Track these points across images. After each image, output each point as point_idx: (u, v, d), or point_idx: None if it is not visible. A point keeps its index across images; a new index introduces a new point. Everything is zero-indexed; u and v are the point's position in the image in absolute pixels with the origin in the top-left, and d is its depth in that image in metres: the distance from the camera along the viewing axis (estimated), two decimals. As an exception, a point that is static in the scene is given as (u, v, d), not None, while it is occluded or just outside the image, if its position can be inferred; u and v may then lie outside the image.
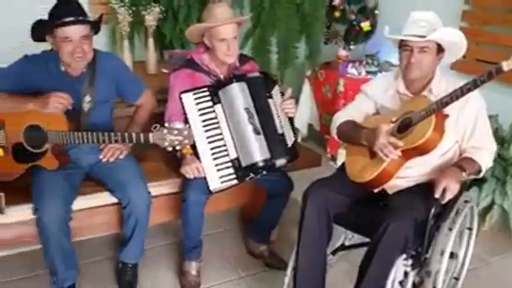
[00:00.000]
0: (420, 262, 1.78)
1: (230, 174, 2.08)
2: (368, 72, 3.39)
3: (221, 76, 2.17)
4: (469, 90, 1.60)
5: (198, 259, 2.26)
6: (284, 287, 2.02)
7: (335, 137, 2.03)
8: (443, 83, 1.82)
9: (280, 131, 2.11)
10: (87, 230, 2.16)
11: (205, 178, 2.05)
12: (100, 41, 3.80)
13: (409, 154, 1.74)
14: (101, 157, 2.06)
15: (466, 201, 1.97)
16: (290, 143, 2.15)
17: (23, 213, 1.90)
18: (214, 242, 2.55)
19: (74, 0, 1.88)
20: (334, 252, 2.22)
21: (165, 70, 2.95)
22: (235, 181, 2.09)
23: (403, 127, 1.76)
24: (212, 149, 2.07)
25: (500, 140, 2.56)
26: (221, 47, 2.05)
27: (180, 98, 2.07)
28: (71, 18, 1.83)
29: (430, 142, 1.69)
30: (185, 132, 1.83)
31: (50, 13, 1.86)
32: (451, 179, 1.67)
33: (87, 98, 2.01)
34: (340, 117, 2.00)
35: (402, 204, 1.73)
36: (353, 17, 3.44)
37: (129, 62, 2.78)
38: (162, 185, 2.20)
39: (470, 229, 2.07)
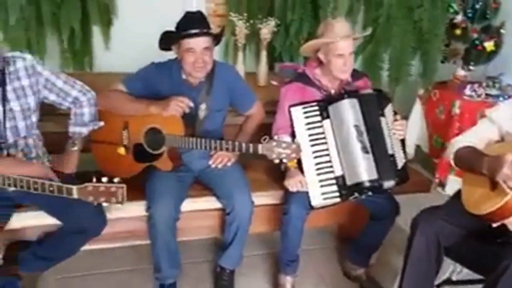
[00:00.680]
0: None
1: (334, 191, 2.05)
2: (488, 95, 3.14)
3: (332, 91, 2.15)
4: None
5: (293, 274, 2.25)
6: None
7: (452, 162, 1.89)
8: None
9: (390, 151, 2.02)
10: (191, 231, 2.26)
11: (307, 192, 2.05)
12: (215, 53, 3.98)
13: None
14: (210, 162, 2.14)
15: None
16: (400, 164, 2.06)
17: (137, 209, 2.04)
18: (308, 259, 2.50)
19: (200, 13, 1.99)
20: (439, 286, 2.07)
21: (274, 83, 3.00)
22: (338, 199, 2.05)
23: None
24: (317, 164, 2.06)
25: None
26: (337, 63, 2.03)
27: (289, 111, 2.09)
28: (196, 30, 1.94)
29: None
30: (293, 146, 1.85)
31: (177, 25, 1.98)
32: None
33: (203, 106, 2.11)
34: (459, 142, 1.86)
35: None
36: (475, 35, 3.21)
37: (242, 73, 2.86)
38: (264, 196, 2.23)
39: None
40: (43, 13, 4.12)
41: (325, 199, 2.05)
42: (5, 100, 1.77)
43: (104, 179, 1.56)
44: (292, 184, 2.06)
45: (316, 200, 2.05)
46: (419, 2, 3.24)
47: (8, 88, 1.78)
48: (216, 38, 2.03)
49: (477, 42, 3.20)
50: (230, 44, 4.35)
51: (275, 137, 1.91)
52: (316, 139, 2.07)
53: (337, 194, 2.04)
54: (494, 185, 1.67)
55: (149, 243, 2.10)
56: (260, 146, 1.88)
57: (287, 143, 1.86)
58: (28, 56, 1.85)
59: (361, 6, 3.50)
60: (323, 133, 2.07)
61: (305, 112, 2.08)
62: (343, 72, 2.06)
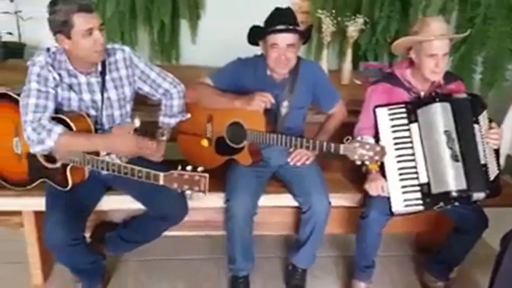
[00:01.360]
0: None
1: (417, 199, 1.97)
2: None
3: (422, 94, 2.05)
4: None
5: (368, 280, 2.19)
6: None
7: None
8: None
9: (482, 161, 1.90)
10: (265, 226, 2.28)
11: (388, 198, 1.98)
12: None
13: None
14: (289, 160, 2.13)
15: None
16: (492, 176, 1.93)
17: (215, 200, 2.08)
18: (383, 266, 2.42)
19: (289, 10, 1.99)
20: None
21: (358, 81, 2.93)
22: (420, 207, 1.97)
23: None
24: (400, 169, 1.99)
25: None
26: (428, 63, 1.93)
27: (374, 112, 2.03)
28: (282, 27, 1.94)
29: None
30: (378, 149, 1.80)
31: (266, 20, 1.99)
32: None
33: (285, 103, 2.10)
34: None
35: None
36: None
37: (325, 71, 2.83)
38: (341, 197, 2.19)
39: None
40: (137, 6, 4.37)
41: (406, 206, 1.98)
42: (104, 89, 1.88)
43: (189, 168, 1.61)
44: (373, 188, 2.01)
45: (398, 206, 1.98)
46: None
47: (107, 78, 1.89)
48: (303, 36, 2.01)
49: None
50: (314, 41, 4.32)
51: (358, 138, 1.86)
52: (401, 142, 2.00)
53: (421, 202, 1.96)
54: None
55: (222, 234, 2.16)
56: (342, 146, 1.85)
57: (370, 145, 1.81)
58: (127, 48, 1.96)
59: (456, 5, 3.31)
60: (409, 137, 1.99)
61: (391, 114, 2.02)
62: (435, 74, 1.96)
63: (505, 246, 1.64)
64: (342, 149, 1.85)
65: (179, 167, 1.63)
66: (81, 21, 1.68)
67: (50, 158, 1.83)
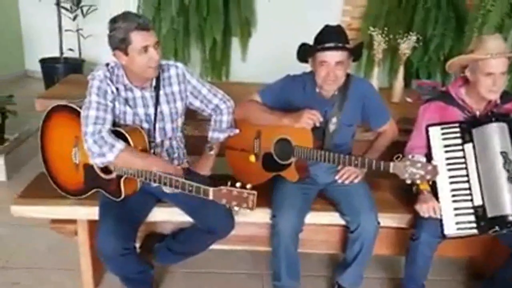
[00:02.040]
0: None
1: (470, 222, 1.90)
2: None
3: (477, 113, 1.99)
4: None
5: (416, 304, 2.12)
6: None
7: None
8: None
9: (542, 184, 1.81)
10: (310, 244, 2.26)
11: (440, 220, 1.93)
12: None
13: None
14: (337, 177, 2.12)
15: None
16: (553, 201, 1.83)
17: (261, 216, 2.08)
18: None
19: (339, 28, 1.99)
20: None
21: (409, 100, 2.87)
22: (474, 231, 1.91)
23: None
24: (453, 190, 1.94)
25: None
26: (486, 82, 1.88)
27: (427, 131, 1.99)
28: (331, 44, 1.94)
29: None
30: (429, 168, 1.75)
31: (316, 37, 2.00)
32: None
33: (334, 120, 2.09)
34: None
35: None
36: None
37: (376, 88, 2.79)
38: (390, 218, 2.14)
39: None
40: (191, 24, 4.53)
41: (459, 229, 1.92)
42: (157, 103, 1.95)
43: (238, 184, 1.63)
44: (425, 210, 1.95)
45: (450, 229, 1.92)
46: None
47: (161, 92, 1.96)
48: (353, 53, 2.01)
49: None
50: (364, 58, 4.29)
51: (409, 156, 1.82)
52: (455, 163, 1.95)
53: (475, 225, 1.90)
54: None
55: (266, 250, 2.15)
56: (392, 164, 1.81)
57: (422, 163, 1.76)
58: (180, 65, 2.03)
59: (514, 21, 3.21)
60: (463, 157, 1.93)
61: (444, 133, 1.98)
62: (492, 93, 1.90)
63: None
64: (392, 167, 1.81)
65: (229, 183, 1.65)
66: (138, 39, 1.76)
67: (105, 169, 1.91)
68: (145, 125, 1.95)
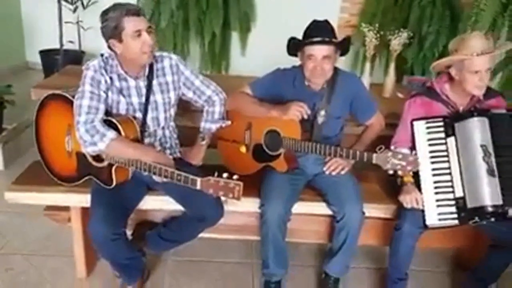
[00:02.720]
0: None
1: (451, 213, 1.96)
2: None
3: (460, 108, 2.05)
4: None
5: (400, 293, 2.18)
6: None
7: None
8: None
9: (520, 176, 1.87)
10: (298, 233, 2.33)
11: (422, 211, 1.98)
12: (342, 61, 4.02)
13: None
14: (325, 168, 2.18)
15: None
16: (530, 192, 1.88)
17: (251, 205, 2.15)
18: (419, 281, 2.41)
19: (326, 23, 2.04)
20: None
21: (400, 95, 2.92)
22: (455, 221, 1.96)
23: None
24: (435, 182, 2.00)
25: None
26: (473, 79, 1.93)
27: (412, 125, 2.04)
28: (318, 39, 1.99)
29: None
30: (410, 159, 1.80)
31: (304, 32, 2.06)
32: None
33: (322, 112, 2.15)
34: None
35: None
36: None
37: (367, 83, 2.84)
38: (376, 208, 2.20)
39: None
40: (190, 18, 4.56)
41: (441, 220, 1.97)
42: (150, 92, 2.01)
43: (225, 175, 1.67)
44: (408, 201, 2.01)
45: (432, 220, 1.98)
46: None
47: (155, 82, 2.02)
48: (340, 48, 2.06)
49: None
50: (360, 54, 4.34)
51: (392, 147, 1.87)
52: (438, 156, 2.00)
53: (455, 216, 1.96)
54: None
55: (257, 239, 2.21)
56: (374, 155, 1.86)
57: (403, 155, 1.81)
58: (174, 56, 2.09)
59: (506, 21, 3.24)
60: (446, 150, 1.99)
61: (429, 127, 2.03)
62: (478, 88, 1.96)
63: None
64: (374, 158, 1.86)
65: (216, 174, 1.69)
66: (130, 24, 1.82)
67: (97, 157, 1.96)
68: (139, 114, 2.01)
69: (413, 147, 2.04)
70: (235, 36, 4.98)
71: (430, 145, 2.01)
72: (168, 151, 2.14)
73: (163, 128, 2.11)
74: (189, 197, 1.99)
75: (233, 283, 2.38)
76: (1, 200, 2.12)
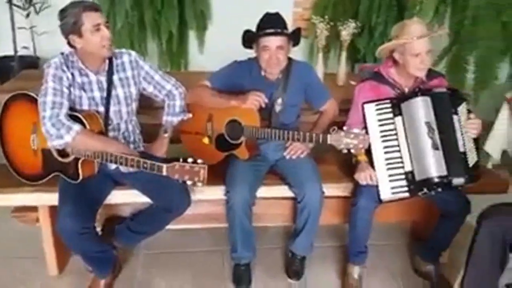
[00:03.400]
0: None
1: (402, 186, 2.10)
2: None
3: (406, 90, 2.20)
4: None
5: (361, 265, 2.32)
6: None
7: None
8: None
9: (461, 149, 2.04)
10: (265, 218, 2.43)
11: (377, 186, 2.12)
12: (300, 53, 4.14)
13: None
14: (285, 153, 2.29)
15: None
16: (471, 163, 2.06)
17: (216, 192, 2.23)
18: (379, 254, 2.57)
19: (278, 15, 2.16)
20: (509, 286, 2.02)
21: (353, 82, 3.07)
22: (406, 194, 2.10)
23: None
24: (387, 159, 2.13)
25: None
26: (414, 62, 2.07)
27: (362, 108, 2.17)
28: (271, 30, 2.11)
29: None
30: (361, 137, 1.93)
31: (257, 25, 2.16)
32: None
33: (279, 101, 2.26)
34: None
35: None
36: None
37: (321, 73, 2.97)
38: (335, 187, 2.33)
39: None
40: (146, 18, 4.57)
41: (393, 193, 2.11)
42: (112, 86, 2.06)
43: (190, 160, 1.75)
44: (362, 178, 2.15)
45: (385, 194, 2.12)
46: (509, 3, 3.14)
47: (115, 77, 2.07)
48: (293, 39, 2.18)
49: None
50: (315, 46, 4.48)
51: (345, 128, 1.98)
52: (388, 135, 2.14)
53: (406, 189, 2.10)
54: None
55: (225, 226, 2.30)
56: (328, 136, 1.98)
57: (355, 133, 1.93)
58: (133, 52, 2.15)
59: (447, 8, 3.46)
60: (394, 129, 2.13)
61: (378, 109, 2.16)
62: (420, 70, 2.10)
63: (479, 225, 1.74)
64: (329, 139, 1.98)
65: (181, 159, 1.77)
66: (89, 19, 1.89)
67: (63, 152, 2.00)
68: (101, 109, 2.05)
69: (365, 128, 2.17)
70: (192, 35, 5.02)
71: (380, 125, 2.15)
72: (131, 145, 2.19)
73: (126, 122, 2.16)
74: (155, 188, 2.05)
75: (205, 271, 2.45)
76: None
